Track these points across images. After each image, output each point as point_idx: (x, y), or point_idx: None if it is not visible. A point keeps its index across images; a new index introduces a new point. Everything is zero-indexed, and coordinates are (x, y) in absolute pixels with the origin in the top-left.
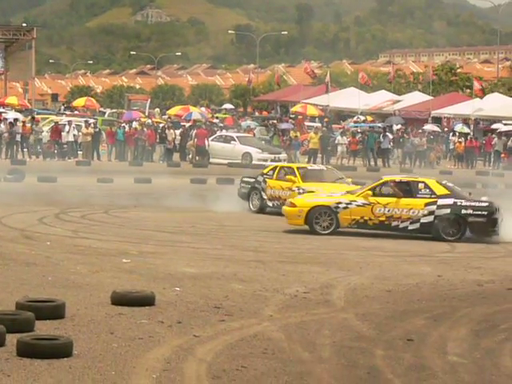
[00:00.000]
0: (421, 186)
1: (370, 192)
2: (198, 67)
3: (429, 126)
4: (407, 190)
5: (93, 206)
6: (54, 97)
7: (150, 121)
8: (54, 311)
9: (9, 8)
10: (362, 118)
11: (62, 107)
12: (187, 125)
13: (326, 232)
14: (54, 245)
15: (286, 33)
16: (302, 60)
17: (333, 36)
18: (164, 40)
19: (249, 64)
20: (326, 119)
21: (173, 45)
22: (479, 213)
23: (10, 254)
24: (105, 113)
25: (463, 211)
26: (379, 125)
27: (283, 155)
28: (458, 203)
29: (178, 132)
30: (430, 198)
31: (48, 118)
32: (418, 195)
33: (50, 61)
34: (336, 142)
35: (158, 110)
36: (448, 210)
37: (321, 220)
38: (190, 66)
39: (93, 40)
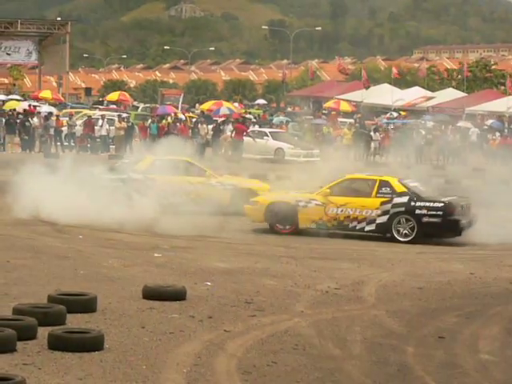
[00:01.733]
0: (382, 184)
1: (328, 191)
2: (232, 62)
3: (462, 123)
4: (366, 188)
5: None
6: (88, 91)
7: (182, 115)
8: (85, 305)
9: (43, 2)
10: (395, 114)
11: (104, 102)
12: (220, 120)
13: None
14: (86, 238)
15: (319, 28)
16: (336, 56)
17: (367, 32)
18: (198, 35)
19: (282, 59)
20: (358, 115)
21: (206, 40)
22: (434, 213)
23: (42, 248)
24: (138, 107)
25: (417, 211)
26: (412, 121)
27: (316, 151)
28: (412, 203)
29: (210, 127)
30: (386, 197)
31: (81, 111)
32: (379, 194)
33: (84, 55)
34: (372, 138)
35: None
36: (402, 209)
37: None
38: (224, 61)
39: (127, 34)
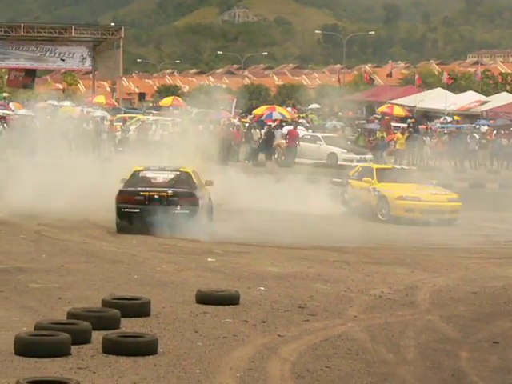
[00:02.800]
0: None
1: None
2: (285, 67)
3: None
4: None
5: None
6: (142, 96)
7: (236, 120)
8: (139, 309)
9: (97, 7)
10: (449, 118)
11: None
12: (273, 124)
13: None
14: (140, 243)
15: (373, 33)
16: (389, 60)
17: (420, 36)
18: (251, 40)
19: (335, 64)
20: (412, 120)
21: (259, 44)
22: None
23: (96, 252)
24: (192, 112)
25: None
26: (466, 125)
27: (369, 156)
28: None
29: (263, 132)
30: None
31: (135, 117)
32: None
33: (138, 60)
34: (426, 143)
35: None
36: None
37: None
38: (277, 65)
39: (180, 39)
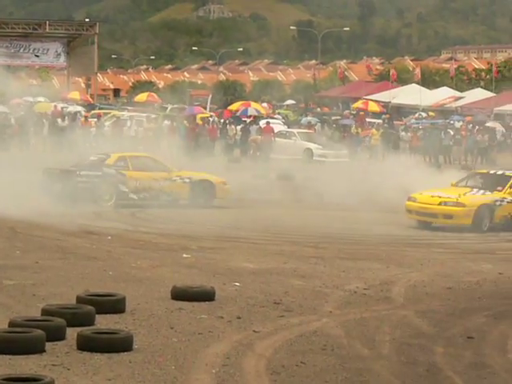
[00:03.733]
0: None
1: None
2: (260, 63)
3: (491, 123)
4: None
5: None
6: (117, 92)
7: (214, 117)
8: (114, 305)
9: (71, 3)
10: (424, 114)
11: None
12: (248, 120)
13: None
14: (115, 239)
15: (347, 29)
16: (364, 56)
17: (395, 32)
18: (226, 35)
19: (310, 60)
20: (387, 115)
21: (234, 40)
22: None
23: (71, 249)
24: (166, 108)
25: None
26: (440, 121)
27: (344, 151)
28: None
29: (238, 128)
30: None
31: (110, 113)
32: None
33: (113, 56)
34: (400, 138)
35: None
36: None
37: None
38: (252, 61)
39: (155, 35)
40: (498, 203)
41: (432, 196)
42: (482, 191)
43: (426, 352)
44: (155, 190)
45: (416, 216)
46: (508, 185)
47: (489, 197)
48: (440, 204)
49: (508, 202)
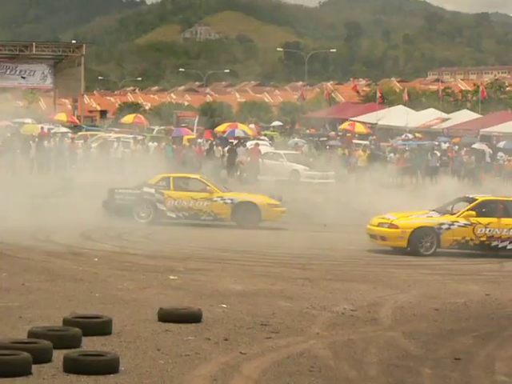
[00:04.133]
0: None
1: (473, 212)
2: (247, 84)
3: (477, 145)
4: (506, 209)
5: (140, 223)
6: (103, 113)
7: (201, 140)
8: (100, 327)
9: (58, 25)
10: (410, 135)
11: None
12: (235, 142)
13: (428, 253)
14: (102, 261)
15: (334, 50)
16: (351, 78)
17: (381, 54)
18: (212, 57)
19: (297, 81)
20: (373, 137)
21: (221, 62)
22: None
23: (57, 270)
24: (153, 129)
25: None
26: (427, 142)
27: (331, 173)
28: None
29: (225, 149)
30: None
31: (96, 134)
32: None
33: (99, 77)
34: (388, 159)
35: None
36: None
37: (423, 241)
38: (239, 83)
39: (142, 57)
40: (444, 227)
41: (380, 218)
42: (434, 214)
43: (414, 373)
44: (194, 210)
45: (368, 237)
46: (467, 208)
47: (432, 220)
48: (378, 225)
49: (460, 226)
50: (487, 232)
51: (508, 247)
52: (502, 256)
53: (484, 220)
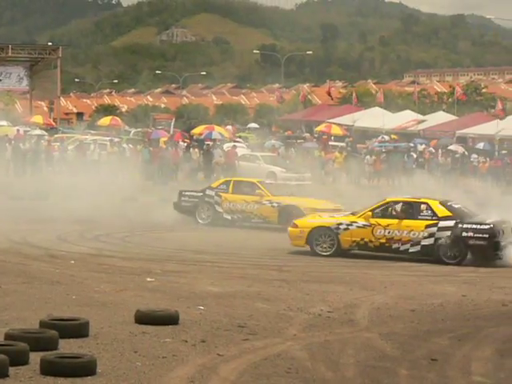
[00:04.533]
0: (423, 207)
1: (371, 213)
2: (223, 87)
3: (453, 146)
4: (409, 211)
5: (117, 225)
6: (80, 116)
7: (181, 143)
8: (77, 330)
9: (34, 27)
10: (387, 137)
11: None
12: (211, 143)
13: (327, 253)
14: (78, 263)
15: (310, 52)
16: (327, 80)
17: (358, 56)
18: (189, 59)
19: (273, 83)
20: (350, 139)
21: (198, 64)
22: (480, 235)
23: (34, 273)
24: (130, 132)
25: (464, 234)
26: (403, 144)
27: (308, 175)
28: (459, 225)
29: (202, 151)
30: (431, 219)
31: (73, 136)
32: (420, 217)
33: (76, 80)
34: (365, 161)
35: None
36: (448, 233)
37: (321, 241)
38: (215, 85)
39: (118, 59)
40: (342, 227)
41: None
42: (341, 214)
43: (390, 374)
44: (246, 213)
45: None
46: (369, 209)
47: (331, 220)
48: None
49: (359, 227)
50: (386, 234)
51: (410, 250)
52: (408, 259)
53: (383, 221)
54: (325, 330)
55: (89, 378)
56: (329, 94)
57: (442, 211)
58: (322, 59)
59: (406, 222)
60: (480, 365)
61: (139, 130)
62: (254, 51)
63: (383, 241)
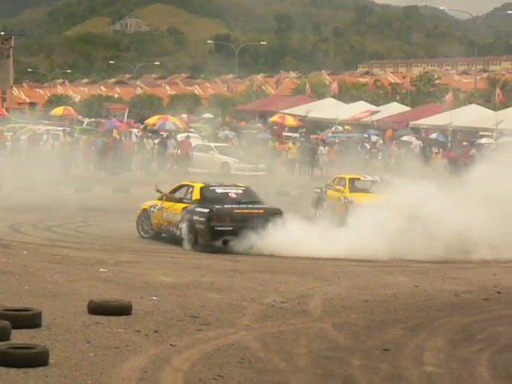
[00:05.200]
0: (188, 190)
1: (166, 196)
2: (177, 77)
3: (406, 137)
4: (180, 194)
5: (70, 215)
6: (32, 106)
7: (135, 131)
8: (30, 320)
9: None
10: (340, 128)
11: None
12: (164, 134)
13: (147, 236)
14: (31, 254)
15: (264, 43)
16: (281, 70)
17: (312, 46)
18: (143, 49)
19: (227, 74)
20: (303, 129)
21: (152, 54)
22: (202, 219)
23: None
24: (83, 122)
25: (194, 217)
26: (357, 135)
27: (262, 165)
28: (195, 209)
29: (155, 141)
30: (187, 203)
31: (26, 126)
32: (184, 200)
33: (29, 70)
34: (319, 152)
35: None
36: (188, 215)
37: (144, 224)
38: (169, 75)
39: (71, 49)
40: (151, 209)
41: None
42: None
43: (343, 364)
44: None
45: None
46: (169, 191)
47: (150, 202)
48: None
49: (158, 210)
50: (166, 217)
51: (177, 233)
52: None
53: (167, 204)
54: (278, 321)
55: (41, 368)
56: (276, 82)
57: (196, 195)
58: (276, 50)
59: (177, 205)
60: (432, 355)
61: (92, 120)
62: (208, 41)
63: (165, 224)
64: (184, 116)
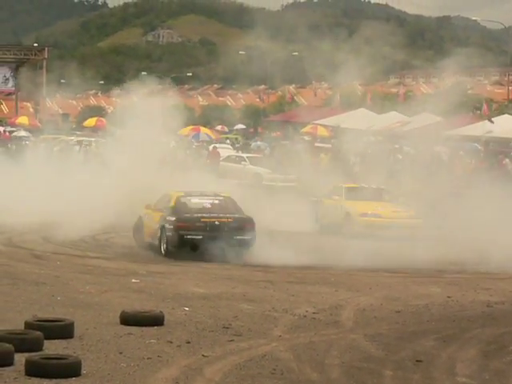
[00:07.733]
0: (168, 199)
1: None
2: (209, 87)
3: (439, 148)
4: (162, 203)
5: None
6: (65, 117)
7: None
8: (62, 331)
9: (20, 28)
10: (372, 138)
11: None
12: (195, 145)
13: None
14: (64, 264)
15: (296, 53)
16: (313, 81)
17: (343, 57)
18: (175, 60)
19: (259, 85)
20: (335, 140)
21: (184, 65)
22: (170, 227)
23: (19, 274)
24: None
25: (166, 225)
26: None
27: (293, 176)
28: (166, 217)
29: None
30: (164, 211)
31: (58, 137)
32: (164, 209)
33: (62, 81)
34: (351, 163)
35: None
36: (162, 224)
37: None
38: (201, 86)
39: (104, 60)
40: (143, 218)
41: None
42: None
43: (375, 376)
44: None
45: None
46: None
47: (144, 211)
48: None
49: (147, 218)
50: (151, 224)
51: (155, 242)
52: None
53: (151, 213)
54: (310, 331)
55: (73, 379)
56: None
57: (172, 203)
58: (307, 60)
59: (155, 213)
60: (465, 366)
61: (125, 130)
62: (240, 52)
63: (151, 231)
64: (219, 127)
